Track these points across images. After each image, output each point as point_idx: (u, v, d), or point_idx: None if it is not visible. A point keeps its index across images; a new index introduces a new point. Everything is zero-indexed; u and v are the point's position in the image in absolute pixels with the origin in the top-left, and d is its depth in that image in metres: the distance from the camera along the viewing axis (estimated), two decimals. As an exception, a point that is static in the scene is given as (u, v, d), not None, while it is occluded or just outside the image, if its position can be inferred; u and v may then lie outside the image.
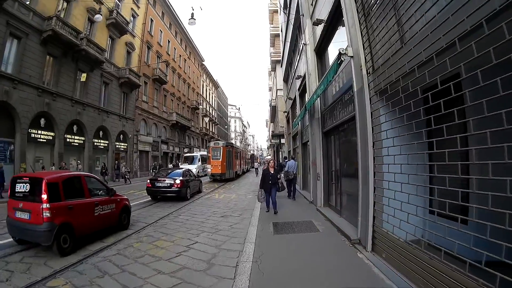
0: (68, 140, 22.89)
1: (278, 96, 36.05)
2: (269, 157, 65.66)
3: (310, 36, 11.90)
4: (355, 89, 6.71)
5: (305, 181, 16.26)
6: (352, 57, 6.79)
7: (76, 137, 23.90)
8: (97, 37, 25.54)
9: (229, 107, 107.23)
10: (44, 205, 6.03)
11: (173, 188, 14.51)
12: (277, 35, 36.28)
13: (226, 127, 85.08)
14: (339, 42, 8.93)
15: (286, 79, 26.77)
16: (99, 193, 7.94)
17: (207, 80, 66.69)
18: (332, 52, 10.08)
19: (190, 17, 16.84)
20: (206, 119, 61.04)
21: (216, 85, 75.37)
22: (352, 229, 7.31)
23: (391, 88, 5.10)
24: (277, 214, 10.12)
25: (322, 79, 8.34)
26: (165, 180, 14.84)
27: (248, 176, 36.51)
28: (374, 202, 5.97)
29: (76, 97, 23.53)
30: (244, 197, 15.88)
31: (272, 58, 38.95)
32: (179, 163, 35.32)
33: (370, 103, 6.06)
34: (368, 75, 6.23)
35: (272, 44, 40.36)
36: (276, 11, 37.52)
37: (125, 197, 9.31)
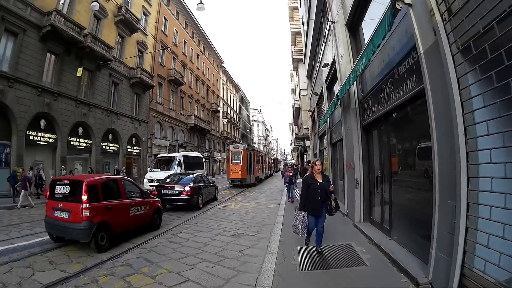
0: (72, 143, 21.49)
1: (302, 97, 34.02)
2: (293, 161, 63.36)
3: (339, 8, 9.60)
4: (421, 51, 4.45)
5: (335, 188, 13.78)
6: (410, 5, 4.59)
7: (81, 140, 22.48)
8: (104, 34, 24.16)
9: (251, 111, 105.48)
10: (84, 205, 6.56)
11: (182, 196, 12.54)
12: (298, 33, 34.35)
13: (248, 130, 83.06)
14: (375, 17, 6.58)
15: (310, 75, 24.37)
16: (134, 195, 8.60)
17: (228, 82, 65.04)
18: (369, 27, 7.75)
19: (199, 2, 14.67)
20: (227, 122, 59.18)
21: (237, 88, 73.68)
22: (414, 262, 4.99)
23: (486, 38, 3.05)
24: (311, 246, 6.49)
25: (364, 50, 6.07)
26: (173, 187, 12.88)
27: (270, 181, 34.08)
28: (467, 229, 3.59)
29: (81, 97, 22.10)
30: (265, 207, 13.56)
31: (294, 57, 37.12)
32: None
33: (455, 65, 3.71)
34: (445, 22, 3.88)
35: (293, 43, 38.48)
36: (296, 8, 35.64)
37: (158, 199, 10.07)
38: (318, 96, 17.56)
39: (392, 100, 6.01)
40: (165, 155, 25.02)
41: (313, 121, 23.21)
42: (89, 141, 23.17)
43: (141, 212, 8.41)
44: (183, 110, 39.25)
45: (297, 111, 42.59)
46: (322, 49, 14.86)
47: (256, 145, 66.64)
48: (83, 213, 6.48)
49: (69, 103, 20.79)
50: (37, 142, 18.67)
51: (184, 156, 23.46)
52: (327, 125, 14.23)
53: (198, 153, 29.78)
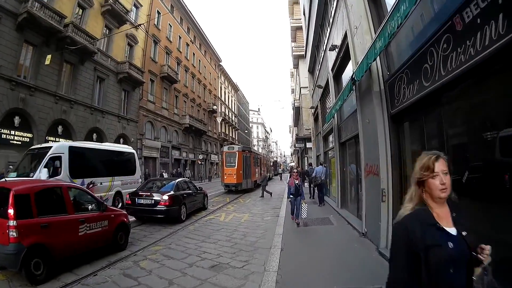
0: (51, 143, 18.96)
1: (302, 95, 31.97)
2: (293, 163, 61.13)
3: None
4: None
5: (344, 197, 11.57)
6: None
7: (62, 140, 19.96)
8: (89, 25, 22.01)
9: (250, 112, 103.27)
10: (11, 223, 4.91)
11: (160, 207, 10.32)
12: (299, 28, 32.85)
13: (246, 131, 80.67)
14: None
15: (312, 69, 22.23)
16: (88, 207, 6.77)
17: (226, 82, 62.84)
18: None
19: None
20: (222, 122, 56.91)
21: (235, 88, 71.46)
22: None
23: None
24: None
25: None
26: (149, 196, 10.64)
27: (269, 185, 31.68)
28: None
29: (61, 92, 19.87)
30: (260, 220, 11.31)
31: (295, 53, 35.22)
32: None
33: None
34: None
35: (294, 39, 36.77)
36: (296, 2, 34.12)
37: (123, 212, 8.04)
38: (322, 89, 15.42)
39: (451, 68, 3.78)
40: (37, 146, 12.59)
41: (315, 119, 21.04)
42: (70, 141, 20.82)
43: (96, 230, 6.56)
44: (177, 110, 37.00)
45: (297, 111, 40.66)
46: (327, 33, 12.73)
47: (255, 148, 64.38)
48: (10, 233, 4.89)
49: (47, 99, 18.68)
50: (10, 142, 16.68)
51: (73, 151, 11.76)
52: (334, 122, 12.04)
53: (126, 146, 17.71)
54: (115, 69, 25.15)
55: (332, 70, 12.10)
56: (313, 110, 21.21)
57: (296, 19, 34.56)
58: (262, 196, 18.92)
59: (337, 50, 10.52)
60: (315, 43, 17.78)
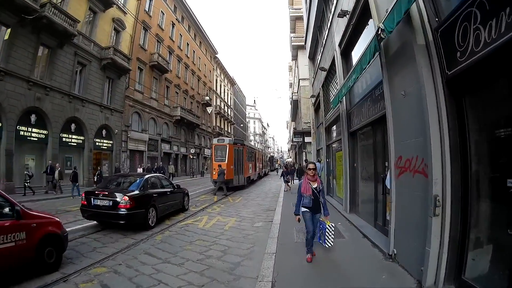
0: (22, 133, 17.28)
1: (301, 87, 30.43)
2: (290, 159, 59.10)
3: None
4: None
5: (355, 199, 9.38)
6: None
7: (34, 130, 18.17)
8: (71, 7, 19.97)
9: (247, 107, 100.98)
10: None
11: (120, 211, 8.13)
12: (299, 17, 31.53)
13: (241, 125, 78.08)
14: None
15: (313, 55, 19.98)
16: None
17: (222, 75, 60.48)
18: None
19: None
20: (217, 115, 54.53)
21: (232, 82, 69.15)
22: None
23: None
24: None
25: None
26: (106, 196, 8.40)
27: (265, 182, 29.53)
28: None
29: (35, 77, 17.78)
30: (249, 227, 9.07)
31: (294, 43, 33.07)
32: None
33: None
34: None
35: (293, 30, 34.90)
36: None
37: (55, 218, 5.88)
38: (325, 72, 13.20)
39: None
40: None
41: (316, 109, 18.84)
42: (45, 132, 18.75)
43: (6, 245, 4.51)
44: (168, 101, 34.70)
45: (295, 105, 38.90)
46: (334, 3, 10.51)
47: (252, 143, 62.11)
48: None
49: (18, 84, 16.65)
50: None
51: None
52: (342, 107, 9.83)
53: None
54: (98, 54, 22.94)
55: (339, 45, 9.91)
56: (313, 100, 18.99)
57: (295, 9, 33.09)
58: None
59: (348, 15, 8.32)
60: (317, 23, 15.53)
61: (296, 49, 32.90)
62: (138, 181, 9.34)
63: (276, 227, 8.09)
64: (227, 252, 6.49)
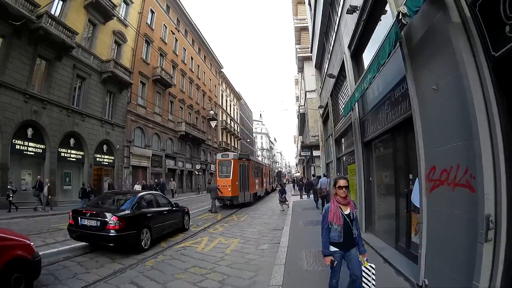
0: (18, 147, 16.67)
1: (308, 100, 29.64)
2: (298, 174, 57.98)
3: None
4: None
5: (371, 217, 8.38)
6: None
7: (31, 144, 17.55)
8: (70, 18, 19.67)
9: (254, 122, 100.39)
10: None
11: (108, 232, 7.26)
12: (303, 28, 31.42)
13: (248, 140, 77.19)
14: None
15: (319, 64, 19.26)
16: None
17: (227, 89, 60.13)
18: None
19: None
20: (223, 130, 53.81)
21: (238, 97, 68.79)
22: None
23: None
24: None
25: None
26: (94, 216, 7.55)
27: (272, 198, 28.30)
28: None
29: (32, 90, 17.28)
30: (253, 251, 8.08)
31: (299, 55, 32.41)
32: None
33: None
34: None
35: (298, 41, 34.63)
36: (300, 2, 32.13)
37: (25, 241, 5.03)
38: (334, 80, 12.38)
39: None
40: None
41: (324, 121, 17.99)
42: (42, 146, 18.16)
43: None
44: (172, 116, 34.13)
45: (302, 119, 38.00)
46: (341, 4, 9.75)
47: (259, 158, 61.14)
48: None
49: (15, 97, 16.17)
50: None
51: None
52: (354, 115, 8.94)
53: None
54: (98, 68, 22.50)
55: (349, 47, 9.13)
56: (321, 111, 18.16)
57: (300, 19, 32.61)
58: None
59: (358, 11, 7.53)
60: (323, 29, 14.80)
61: (302, 61, 32.29)
62: (130, 199, 8.46)
63: (283, 251, 7.11)
64: (225, 283, 5.51)
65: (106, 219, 7.28)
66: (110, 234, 7.18)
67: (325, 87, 16.19)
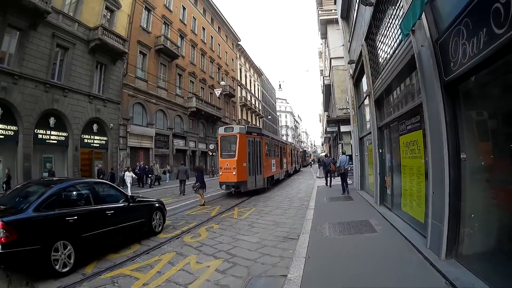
0: None
1: (334, 68, 26.02)
2: (324, 153, 53.76)
3: None
4: None
5: (463, 231, 4.33)
6: None
7: (0, 127, 14.84)
8: None
9: (278, 100, 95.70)
10: None
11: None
12: None
13: (270, 117, 72.47)
14: None
15: (346, 12, 14.88)
16: None
17: (246, 64, 55.76)
18: None
19: None
20: (246, 109, 49.86)
21: (259, 72, 64.28)
22: None
23: None
24: None
25: None
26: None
27: (294, 181, 24.33)
28: None
29: (1, 64, 14.76)
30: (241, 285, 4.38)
31: (321, 18, 28.71)
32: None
33: None
34: None
35: (320, 4, 31.50)
36: None
37: None
38: (371, 15, 8.18)
39: None
40: None
41: (356, 82, 13.73)
42: (13, 128, 15.30)
43: None
44: (181, 91, 30.52)
45: (327, 91, 34.47)
46: None
47: (284, 137, 56.89)
48: None
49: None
50: None
51: None
52: (417, 39, 4.83)
53: None
54: (85, 36, 19.19)
55: None
56: (351, 70, 13.89)
57: None
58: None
59: None
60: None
61: (325, 25, 28.76)
62: (41, 194, 5.00)
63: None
64: None
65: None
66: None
67: (356, 36, 11.95)
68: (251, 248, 6.32)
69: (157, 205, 7.94)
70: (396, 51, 6.48)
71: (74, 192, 5.91)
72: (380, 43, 8.32)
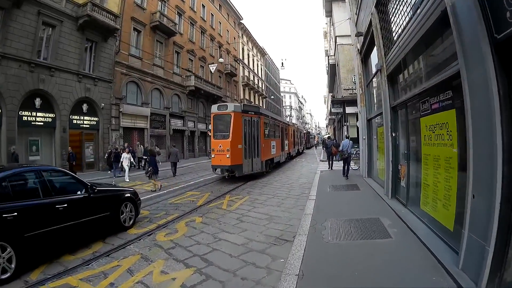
0: None
1: (339, 46, 25.11)
2: (328, 135, 52.46)
3: None
4: None
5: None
6: None
7: None
8: None
9: (282, 81, 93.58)
10: None
11: None
12: None
13: (272, 97, 70.37)
14: None
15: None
16: None
17: (249, 43, 53.78)
18: None
19: None
20: (249, 89, 48.21)
21: (262, 52, 62.17)
22: None
23: None
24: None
25: None
26: None
27: (296, 164, 23.17)
28: None
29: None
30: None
31: None
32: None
33: None
34: None
35: None
36: None
37: None
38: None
39: None
40: None
41: (364, 58, 12.33)
42: (-4, 109, 14.15)
43: None
44: (178, 69, 29.08)
45: (333, 71, 32.65)
46: None
47: (287, 119, 55.36)
48: None
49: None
50: None
51: None
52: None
53: None
54: (73, 13, 17.85)
55: None
56: (358, 45, 12.45)
57: None
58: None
59: None
60: None
61: (329, 2, 27.40)
62: None
63: None
64: None
65: None
66: None
67: (364, 5, 10.52)
68: (233, 252, 5.17)
69: (127, 195, 6.79)
70: (418, 11, 5.13)
71: (16, 183, 4.80)
72: (395, 5, 6.93)
